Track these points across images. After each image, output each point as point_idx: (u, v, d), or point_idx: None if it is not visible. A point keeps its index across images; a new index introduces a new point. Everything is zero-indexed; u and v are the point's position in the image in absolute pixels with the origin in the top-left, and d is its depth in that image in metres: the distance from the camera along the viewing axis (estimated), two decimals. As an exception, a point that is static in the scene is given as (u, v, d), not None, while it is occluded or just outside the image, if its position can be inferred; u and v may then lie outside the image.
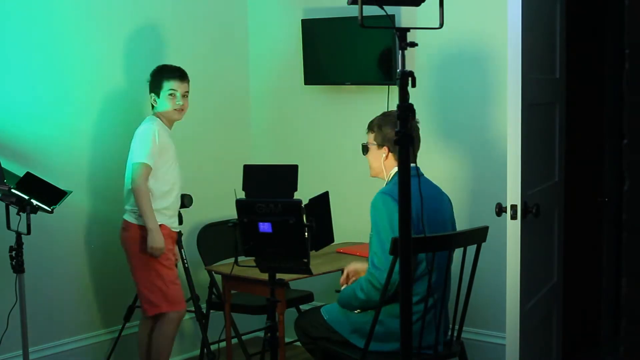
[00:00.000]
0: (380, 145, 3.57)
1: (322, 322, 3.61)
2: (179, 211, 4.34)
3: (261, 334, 4.85)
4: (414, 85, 2.39)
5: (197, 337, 4.74)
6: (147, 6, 4.61)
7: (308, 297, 4.54)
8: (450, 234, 3.42)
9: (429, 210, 3.24)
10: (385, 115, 3.63)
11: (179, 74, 4.11)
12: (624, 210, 1.40)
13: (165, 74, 4.09)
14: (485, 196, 4.19)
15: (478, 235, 3.43)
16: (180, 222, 4.38)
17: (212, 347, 4.42)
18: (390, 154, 3.55)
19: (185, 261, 4.35)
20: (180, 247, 4.36)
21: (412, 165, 3.51)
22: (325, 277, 4.22)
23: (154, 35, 4.65)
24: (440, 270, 3.40)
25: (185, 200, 4.36)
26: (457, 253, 3.38)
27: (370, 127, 3.64)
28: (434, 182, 4.29)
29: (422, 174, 3.52)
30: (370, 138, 3.63)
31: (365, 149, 3.65)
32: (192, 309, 4.47)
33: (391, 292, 3.37)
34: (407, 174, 2.40)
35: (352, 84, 4.65)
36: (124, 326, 4.44)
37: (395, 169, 3.53)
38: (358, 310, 3.51)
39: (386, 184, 3.57)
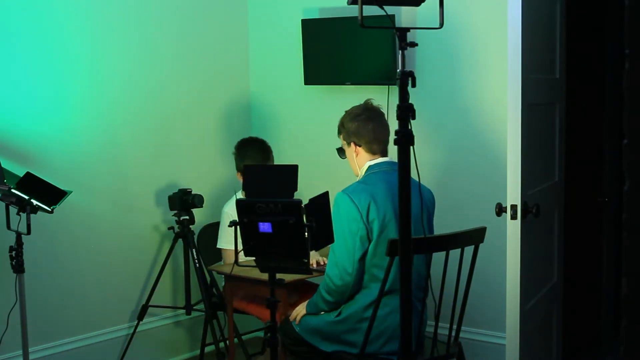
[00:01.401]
0: (348, 143, 3.57)
1: (294, 334, 3.60)
2: (191, 211, 4.38)
3: (261, 333, 4.85)
4: (414, 85, 2.39)
5: (197, 338, 4.75)
6: (147, 6, 4.61)
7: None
8: (447, 235, 3.40)
9: (393, 209, 3.24)
10: (346, 112, 3.62)
11: (262, 155, 4.30)
12: (624, 210, 1.40)
13: (248, 157, 4.28)
14: (485, 196, 4.19)
15: (475, 237, 3.41)
16: (192, 222, 4.40)
17: (212, 347, 4.43)
18: (358, 148, 3.53)
19: (196, 261, 4.36)
20: (192, 247, 4.38)
21: (387, 159, 3.53)
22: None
23: (154, 35, 4.65)
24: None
25: (196, 200, 4.39)
26: (456, 254, 3.37)
27: (338, 129, 3.64)
28: (434, 182, 4.29)
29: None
30: (341, 139, 3.64)
31: (341, 152, 3.66)
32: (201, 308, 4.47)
33: (345, 297, 3.41)
34: (407, 174, 2.40)
35: (352, 84, 4.65)
36: (137, 325, 4.46)
37: (367, 164, 3.52)
38: (322, 312, 3.53)
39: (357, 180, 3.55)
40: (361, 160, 3.54)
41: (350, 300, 3.45)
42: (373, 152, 3.51)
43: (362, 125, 3.50)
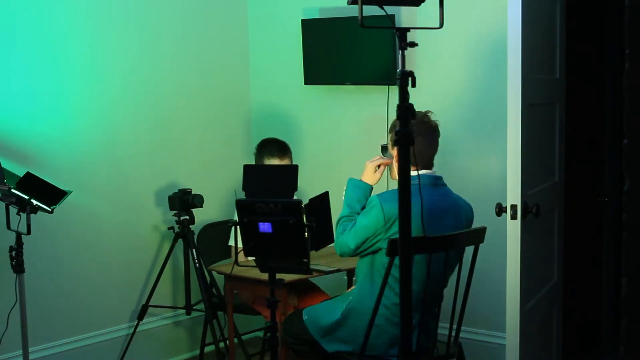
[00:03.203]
0: (394, 147, 3.45)
1: (300, 322, 3.60)
2: (191, 211, 4.38)
3: (261, 333, 4.86)
4: (414, 85, 2.39)
5: (197, 338, 4.75)
6: (147, 6, 4.61)
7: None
8: (447, 235, 3.39)
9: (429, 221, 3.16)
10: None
11: (279, 152, 4.28)
12: (624, 210, 1.39)
13: (266, 152, 4.29)
14: (485, 196, 4.19)
15: (475, 237, 3.41)
16: (192, 222, 4.40)
17: (212, 347, 4.43)
18: None
19: (196, 261, 4.36)
20: (192, 247, 4.38)
21: (429, 172, 3.43)
22: (325, 278, 4.21)
23: (154, 35, 4.65)
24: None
25: (196, 200, 4.39)
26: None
27: (390, 128, 3.51)
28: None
29: (444, 184, 3.46)
30: (389, 139, 3.51)
31: (384, 150, 3.53)
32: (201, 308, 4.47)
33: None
34: (407, 174, 2.40)
35: (352, 84, 4.65)
36: (137, 325, 4.46)
37: (413, 173, 3.45)
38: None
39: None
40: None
41: (359, 301, 3.44)
42: (415, 164, 3.44)
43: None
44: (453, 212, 3.40)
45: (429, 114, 3.52)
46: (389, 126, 3.56)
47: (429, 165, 3.47)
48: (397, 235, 3.26)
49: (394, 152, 3.45)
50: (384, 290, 3.21)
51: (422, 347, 3.40)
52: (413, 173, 3.43)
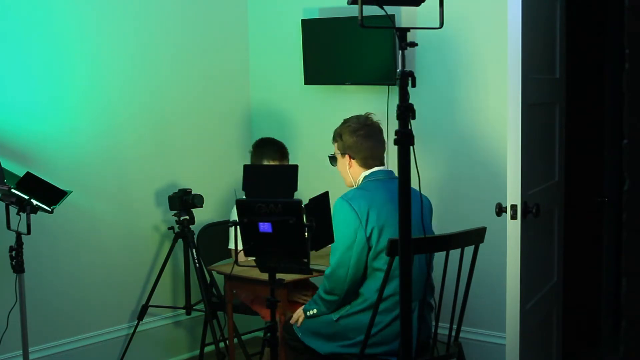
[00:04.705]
0: (342, 154, 3.58)
1: (296, 336, 3.61)
2: (191, 211, 4.37)
3: (261, 333, 4.86)
4: (414, 85, 2.39)
5: (197, 338, 4.75)
6: (147, 6, 4.61)
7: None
8: (447, 235, 3.39)
9: (392, 213, 3.22)
10: (345, 122, 3.63)
11: (280, 155, 4.25)
12: (624, 210, 1.40)
13: (266, 154, 4.24)
14: (485, 196, 4.19)
15: (475, 237, 3.42)
16: (192, 222, 4.40)
17: (212, 347, 4.43)
18: (352, 161, 3.55)
19: (196, 261, 4.36)
20: (192, 247, 4.38)
21: (383, 168, 3.56)
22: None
23: (154, 35, 4.65)
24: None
25: (196, 200, 4.39)
26: (456, 254, 3.37)
27: (334, 137, 3.65)
28: (434, 182, 4.30)
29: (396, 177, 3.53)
30: (335, 148, 3.65)
31: (332, 159, 3.67)
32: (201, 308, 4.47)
33: (341, 299, 3.43)
34: (407, 174, 2.40)
35: (352, 84, 4.65)
36: (137, 325, 4.46)
37: (363, 174, 3.54)
38: (314, 311, 3.53)
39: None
40: (355, 172, 3.57)
41: (354, 301, 3.44)
42: (368, 166, 3.54)
43: (360, 141, 3.53)
44: (415, 199, 3.45)
45: (370, 116, 3.63)
46: (334, 135, 3.64)
47: (382, 163, 3.60)
48: (375, 228, 3.32)
49: (342, 159, 3.59)
50: (384, 289, 3.21)
51: (421, 342, 3.42)
52: (367, 172, 3.51)
